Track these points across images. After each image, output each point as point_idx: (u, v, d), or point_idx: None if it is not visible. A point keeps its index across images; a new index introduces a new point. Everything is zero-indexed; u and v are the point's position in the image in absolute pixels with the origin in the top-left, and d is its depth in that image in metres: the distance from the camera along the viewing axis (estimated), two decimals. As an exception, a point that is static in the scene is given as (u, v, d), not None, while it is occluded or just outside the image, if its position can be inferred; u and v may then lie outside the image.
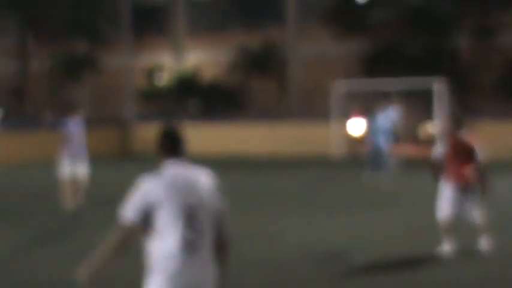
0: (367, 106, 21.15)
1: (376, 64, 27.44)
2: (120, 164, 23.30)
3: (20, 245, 9.74)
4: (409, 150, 20.15)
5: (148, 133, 24.67)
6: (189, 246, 4.02)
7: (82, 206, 12.90)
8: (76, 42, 36.70)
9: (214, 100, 34.35)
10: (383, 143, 15.88)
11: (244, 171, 20.11)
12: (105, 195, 13.93)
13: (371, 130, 16.44)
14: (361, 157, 20.24)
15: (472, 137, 8.82)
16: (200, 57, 37.09)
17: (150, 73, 36.56)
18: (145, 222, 4.05)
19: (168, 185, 4.11)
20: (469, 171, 8.61)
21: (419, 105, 22.81)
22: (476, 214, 8.61)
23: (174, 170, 4.21)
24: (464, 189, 8.59)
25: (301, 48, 34.75)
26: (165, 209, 4.02)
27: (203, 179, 4.34)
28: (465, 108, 23.00)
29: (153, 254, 4.06)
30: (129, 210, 3.99)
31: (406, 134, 20.36)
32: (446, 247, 8.58)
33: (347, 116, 22.54)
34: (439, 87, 21.28)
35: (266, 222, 11.14)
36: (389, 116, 16.42)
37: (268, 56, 33.60)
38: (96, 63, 35.84)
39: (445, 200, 8.57)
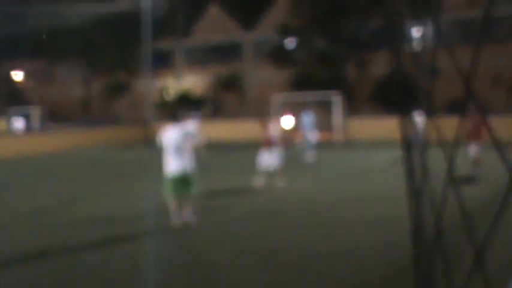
0: (294, 110, 21.05)
1: (299, 84, 28.91)
2: (143, 147, 23.92)
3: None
4: (321, 136, 19.54)
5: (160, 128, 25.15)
6: (176, 153, 6.46)
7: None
8: (119, 74, 39.46)
9: (201, 108, 35.18)
10: (308, 133, 15.89)
11: (217, 150, 20.47)
12: (134, 162, 16.94)
13: (301, 125, 16.23)
14: (290, 142, 19.32)
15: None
16: (192, 82, 39.46)
17: (162, 92, 38.34)
18: (162, 143, 6.60)
19: (170, 130, 6.49)
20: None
21: (325, 108, 23.04)
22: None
23: (175, 126, 6.65)
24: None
25: (254, 75, 37.28)
26: (167, 140, 6.62)
27: (188, 127, 6.83)
28: (351, 110, 25.34)
29: (165, 154, 6.69)
30: (158, 141, 6.78)
31: (320, 126, 19.13)
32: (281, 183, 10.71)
33: (282, 115, 20.42)
34: (336, 98, 22.87)
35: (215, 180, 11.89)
36: (311, 116, 16.26)
37: (233, 80, 36.77)
38: (131, 87, 39.69)
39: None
